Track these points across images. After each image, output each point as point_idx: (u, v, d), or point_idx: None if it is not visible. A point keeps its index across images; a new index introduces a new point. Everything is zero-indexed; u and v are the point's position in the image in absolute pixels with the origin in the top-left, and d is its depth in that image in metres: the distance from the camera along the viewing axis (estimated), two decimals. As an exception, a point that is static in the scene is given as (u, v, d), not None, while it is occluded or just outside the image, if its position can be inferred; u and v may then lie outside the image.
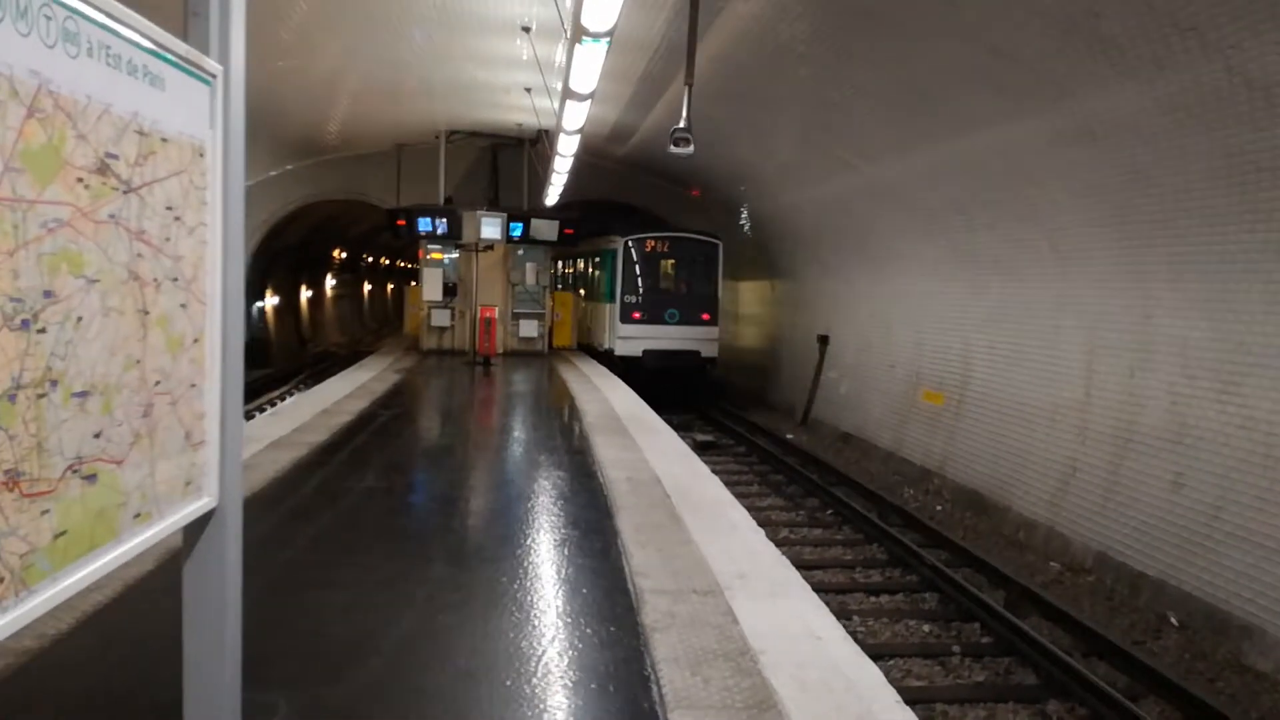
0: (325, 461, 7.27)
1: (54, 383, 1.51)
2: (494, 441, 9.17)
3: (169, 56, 1.90)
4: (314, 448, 7.69)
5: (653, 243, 19.14)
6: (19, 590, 1.45)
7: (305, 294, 30.17)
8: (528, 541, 5.21)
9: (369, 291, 42.70)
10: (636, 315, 18.43)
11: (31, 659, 3.28)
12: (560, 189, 17.16)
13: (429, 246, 17.85)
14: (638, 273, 18.94)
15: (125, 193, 1.74)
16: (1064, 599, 7.94)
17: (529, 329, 18.63)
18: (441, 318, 18.03)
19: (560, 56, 10.62)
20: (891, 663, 6.69)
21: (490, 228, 16.96)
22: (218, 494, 2.21)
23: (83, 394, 1.60)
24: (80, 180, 1.57)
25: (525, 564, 4.75)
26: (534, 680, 3.29)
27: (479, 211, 17.25)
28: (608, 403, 11.11)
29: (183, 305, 2.01)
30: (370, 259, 40.86)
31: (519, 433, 9.64)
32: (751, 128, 14.01)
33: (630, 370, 17.30)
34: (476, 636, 3.70)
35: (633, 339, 18.57)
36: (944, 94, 9.54)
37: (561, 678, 3.32)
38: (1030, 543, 9.67)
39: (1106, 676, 6.36)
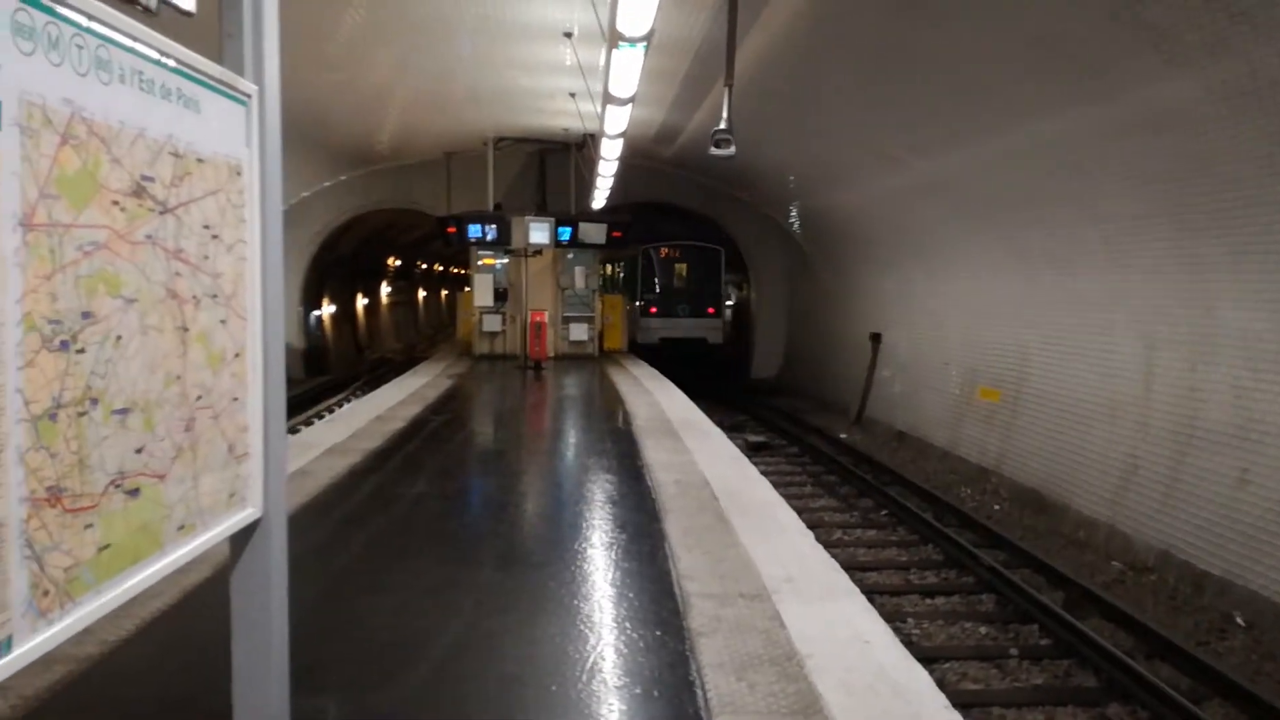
0: (379, 467, 7.38)
1: (94, 401, 1.56)
2: (544, 446, 9.22)
3: (203, 79, 1.95)
4: (368, 454, 7.81)
5: (666, 250, 23.21)
6: (64, 603, 1.50)
7: (361, 302, 30.66)
8: (575, 545, 5.23)
9: (422, 298, 43.25)
10: (654, 310, 21.53)
11: (93, 665, 3.38)
12: (606, 192, 17.21)
13: (479, 253, 18.01)
14: (654, 275, 23.06)
15: (162, 213, 1.78)
16: (1125, 599, 7.75)
17: (579, 332, 18.70)
18: (493, 323, 18.19)
19: (602, 60, 10.65)
20: (947, 665, 6.58)
21: (538, 233, 17.06)
22: (262, 504, 2.25)
23: (123, 411, 1.65)
24: (116, 203, 1.62)
25: (573, 568, 4.77)
26: (580, 685, 3.30)
27: (527, 217, 17.38)
28: (658, 405, 11.11)
29: (223, 321, 2.06)
30: (423, 266, 41.39)
31: (569, 437, 9.68)
32: (798, 126, 13.92)
33: (649, 352, 20.34)
34: (523, 641, 3.73)
35: (651, 330, 22.29)
36: (991, 86, 9.38)
37: (607, 682, 3.33)
38: (1090, 542, 9.46)
39: (1169, 679, 6.19)
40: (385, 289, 34.48)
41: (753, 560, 4.76)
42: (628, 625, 3.90)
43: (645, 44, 5.45)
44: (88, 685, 3.25)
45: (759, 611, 3.99)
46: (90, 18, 1.53)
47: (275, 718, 2.30)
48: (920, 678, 3.34)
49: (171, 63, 1.81)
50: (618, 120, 9.13)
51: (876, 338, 16.99)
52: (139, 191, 1.69)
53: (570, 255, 18.33)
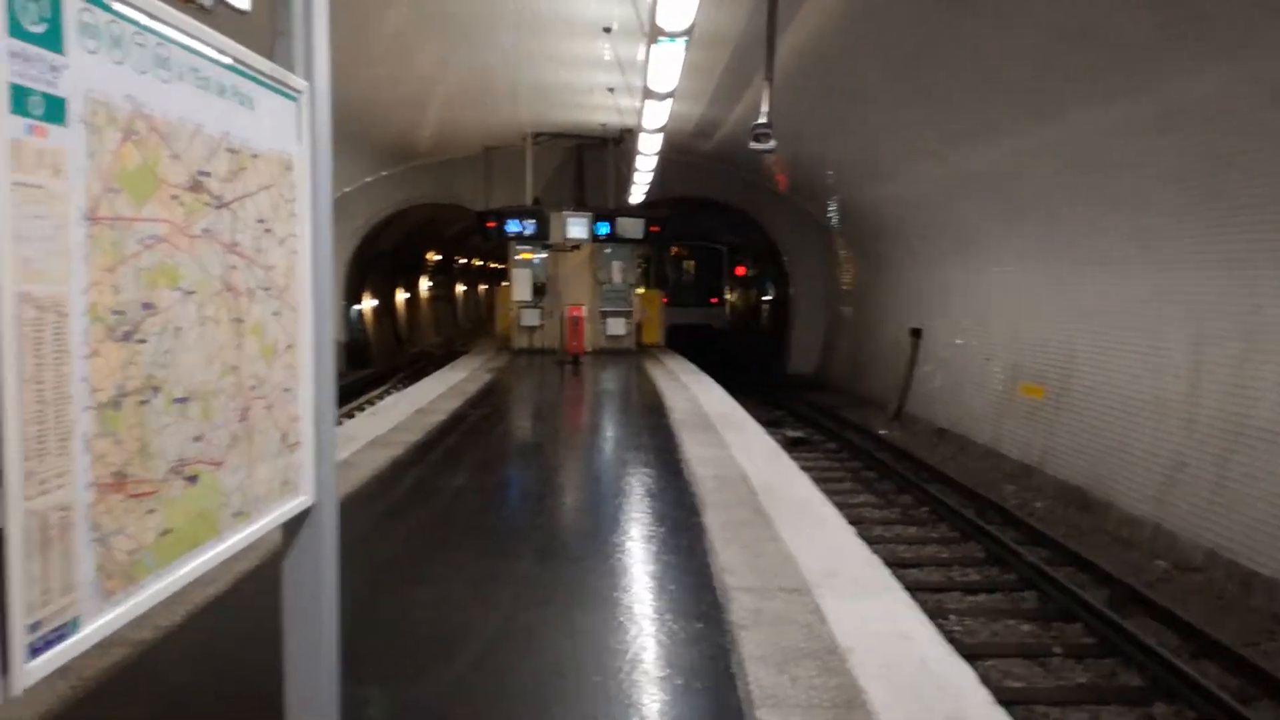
0: (420, 460, 7.46)
1: (155, 390, 1.60)
2: (582, 440, 9.27)
3: (256, 76, 1.98)
4: (409, 446, 7.90)
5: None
6: (127, 585, 1.54)
7: (401, 296, 30.95)
8: (614, 538, 5.26)
9: (461, 293, 43.53)
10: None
11: (146, 649, 3.46)
12: (645, 187, 17.21)
13: (517, 247, 18.11)
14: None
15: (218, 208, 1.82)
16: (1171, 598, 7.63)
17: (616, 327, 18.74)
18: (531, 317, 18.29)
19: (641, 55, 10.66)
20: (990, 663, 6.53)
21: (576, 227, 17.13)
22: (314, 493, 2.29)
23: (183, 400, 1.69)
24: (175, 197, 1.66)
25: (612, 561, 4.80)
26: (620, 676, 3.32)
27: (565, 212, 17.43)
28: (696, 401, 11.11)
29: (275, 313, 2.10)
30: (462, 261, 41.66)
31: (607, 431, 9.71)
32: (838, 120, 13.83)
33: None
34: (563, 633, 3.76)
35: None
36: (1029, 79, 9.26)
37: (648, 674, 3.35)
38: (1135, 540, 9.32)
39: (1216, 679, 6.09)
40: (425, 283, 34.76)
41: (792, 554, 4.75)
42: (668, 617, 3.92)
43: (686, 39, 5.45)
44: (142, 669, 3.33)
45: (799, 605, 3.99)
46: (150, 16, 1.56)
47: (325, 702, 2.34)
48: (964, 673, 3.32)
49: (227, 60, 1.85)
50: (657, 115, 9.14)
51: (917, 333, 16.84)
52: (196, 186, 1.73)
53: (607, 250, 18.38)
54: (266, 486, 2.07)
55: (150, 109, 1.57)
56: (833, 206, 19.85)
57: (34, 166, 1.30)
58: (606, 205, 19.16)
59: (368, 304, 26.36)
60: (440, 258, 35.95)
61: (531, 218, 17.59)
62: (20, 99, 1.27)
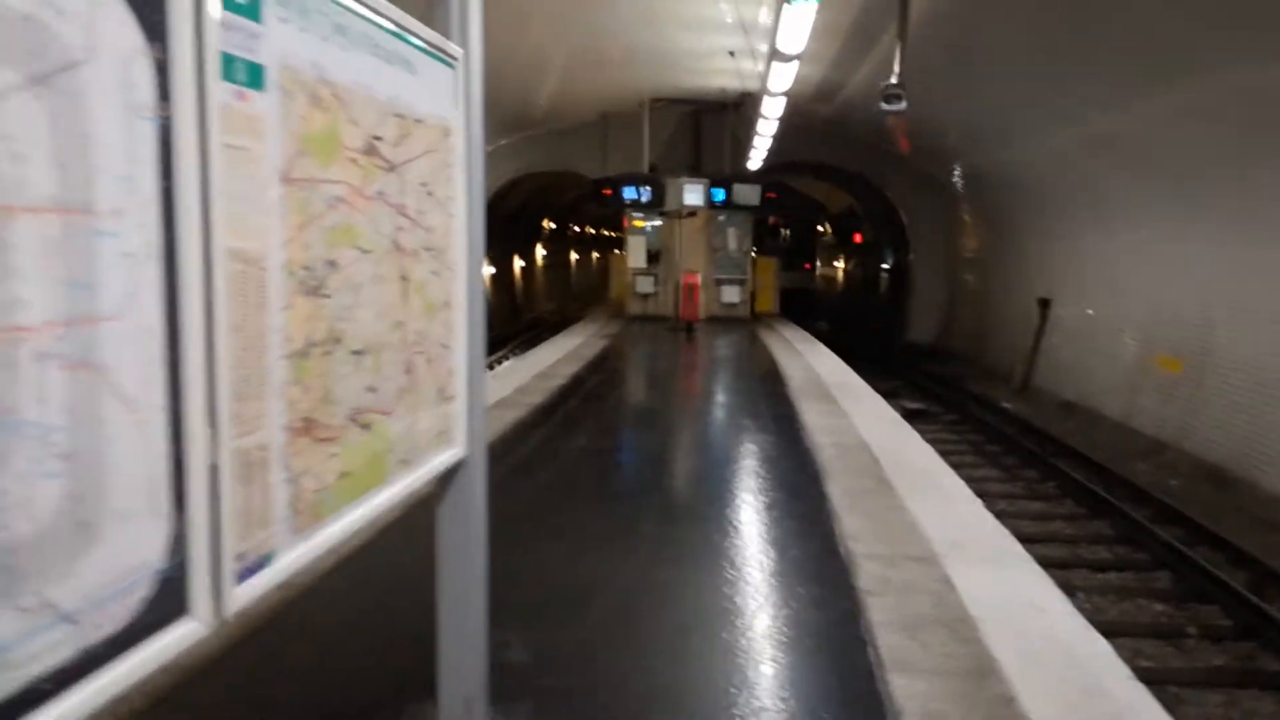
0: (543, 422, 7.64)
1: (337, 341, 1.70)
2: (699, 405, 9.31)
3: (419, 43, 2.06)
4: (533, 408, 8.10)
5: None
6: (313, 523, 1.65)
7: (518, 264, 31.51)
8: (736, 502, 5.30)
9: (576, 260, 44.02)
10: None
11: (305, 592, 3.68)
12: (764, 153, 17.01)
13: (633, 214, 18.18)
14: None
15: (388, 171, 1.91)
16: (1322, 584, 7.22)
17: (731, 294, 18.68)
18: (645, 284, 18.39)
19: (764, 17, 10.50)
20: (1120, 641, 6.30)
21: (693, 194, 17.09)
22: (466, 444, 2.40)
23: (359, 352, 1.80)
24: (353, 160, 1.75)
25: (735, 523, 4.84)
26: (749, 636, 3.37)
27: (682, 178, 17.39)
28: (812, 369, 11.02)
29: (434, 272, 2.19)
30: (577, 228, 42.09)
31: (723, 397, 9.73)
32: (964, 79, 13.33)
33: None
34: (689, 591, 3.83)
35: None
36: (1175, 36, 8.73)
37: (776, 635, 3.39)
38: (1279, 521, 8.84)
39: (1373, 670, 5.76)
40: (540, 251, 35.29)
41: (918, 523, 4.70)
42: (793, 580, 3.95)
43: (819, -2, 5.35)
44: (300, 610, 3.55)
45: (927, 574, 3.95)
46: (333, -14, 1.65)
47: (476, 639, 2.46)
48: (1100, 647, 3.25)
49: (393, 27, 1.93)
50: (783, 78, 9.00)
51: (1045, 303, 16.23)
52: (371, 150, 1.82)
53: (722, 217, 18.27)
54: (426, 437, 2.18)
55: (331, 74, 1.66)
56: (957, 170, 19.22)
57: (240, 130, 1.39)
58: (723, 171, 19.03)
59: (487, 271, 26.95)
60: (555, 225, 36.40)
61: (648, 184, 17.61)
62: (229, 66, 1.36)
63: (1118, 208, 13.17)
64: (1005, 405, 15.33)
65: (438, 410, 2.24)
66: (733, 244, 18.54)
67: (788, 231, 31.75)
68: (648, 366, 12.65)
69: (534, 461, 6.37)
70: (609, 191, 17.90)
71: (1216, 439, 10.49)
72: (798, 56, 7.70)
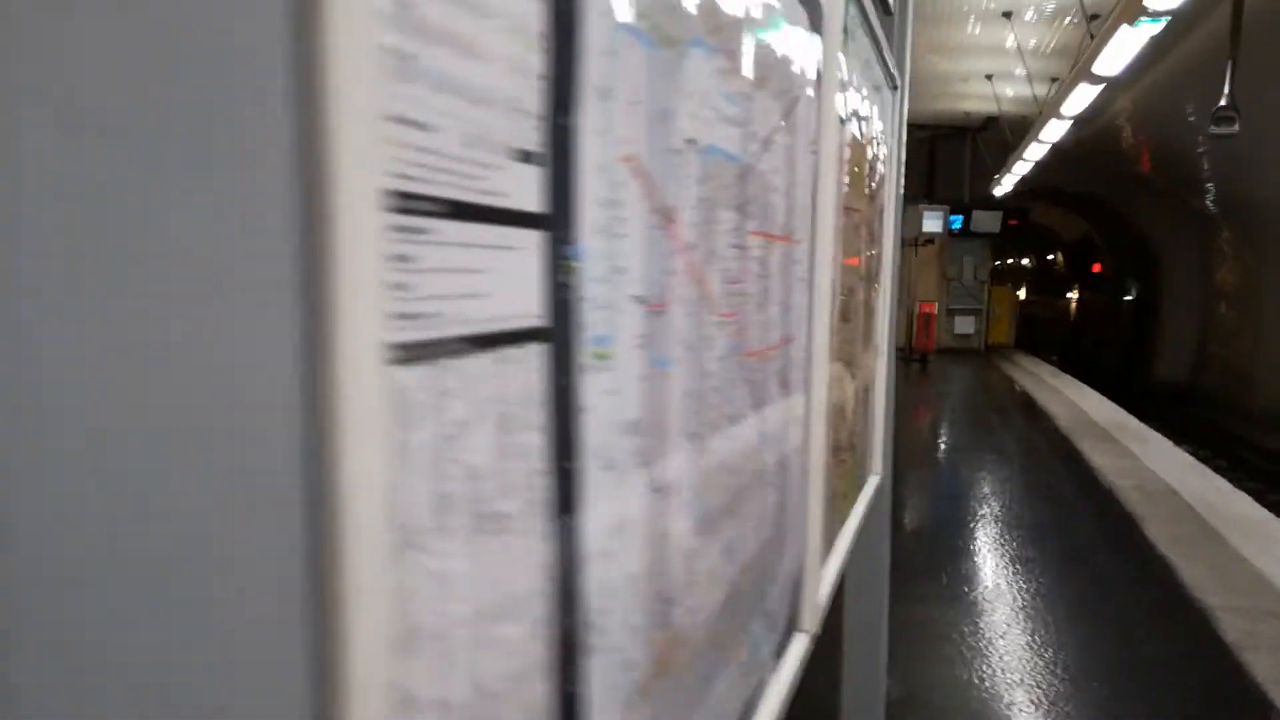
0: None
1: (851, 373, 1.76)
2: (970, 442, 8.99)
3: (883, 71, 2.12)
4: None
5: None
6: (834, 537, 1.71)
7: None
8: (1052, 546, 5.05)
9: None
10: None
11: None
12: (1017, 178, 16.34)
13: (865, 242, 17.89)
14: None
15: (870, 197, 1.97)
16: None
17: (965, 325, 18.04)
18: (879, 313, 18.03)
19: (1035, 40, 10.14)
20: None
21: (932, 221, 16.64)
22: (880, 470, 2.42)
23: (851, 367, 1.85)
24: (865, 193, 1.81)
25: (1059, 568, 4.62)
26: (1124, 680, 3.20)
27: (920, 205, 16.99)
28: (1075, 406, 10.42)
29: (869, 304, 2.24)
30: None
31: (988, 435, 9.36)
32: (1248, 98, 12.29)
33: None
34: (1041, 640, 3.69)
35: None
36: None
37: (1156, 689, 3.20)
38: None
39: None
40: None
41: (1267, 577, 4.32)
42: (1151, 629, 3.72)
43: (1168, 18, 5.03)
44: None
45: (1299, 632, 3.63)
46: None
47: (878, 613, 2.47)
48: None
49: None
50: (1079, 101, 8.61)
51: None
52: (869, 177, 1.88)
53: (958, 244, 17.69)
54: (865, 465, 2.22)
55: (860, 110, 1.73)
56: (1217, 195, 17.73)
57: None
58: (961, 198, 18.42)
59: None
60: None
61: (884, 211, 17.28)
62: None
63: None
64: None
65: (873, 435, 2.27)
66: (969, 273, 17.90)
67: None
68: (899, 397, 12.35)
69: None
70: (843, 219, 17.68)
71: None
72: (1112, 79, 7.27)
